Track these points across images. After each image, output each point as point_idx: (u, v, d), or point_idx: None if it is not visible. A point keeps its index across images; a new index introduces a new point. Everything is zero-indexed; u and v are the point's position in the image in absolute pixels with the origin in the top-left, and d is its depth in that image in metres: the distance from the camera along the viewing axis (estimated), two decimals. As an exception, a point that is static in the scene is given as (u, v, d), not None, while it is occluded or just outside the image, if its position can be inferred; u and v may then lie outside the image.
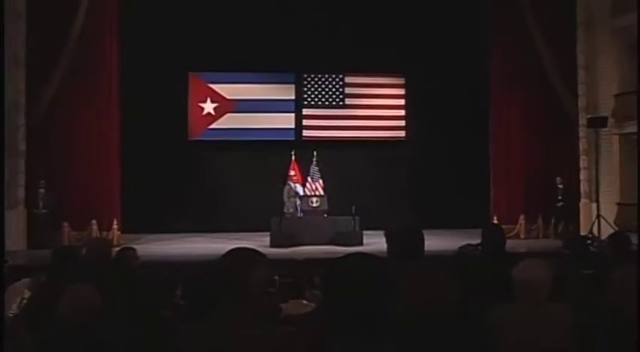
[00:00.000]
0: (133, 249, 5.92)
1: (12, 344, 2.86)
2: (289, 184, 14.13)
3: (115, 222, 13.94)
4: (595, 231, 12.96)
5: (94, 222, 13.69)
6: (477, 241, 4.63)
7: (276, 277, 5.58)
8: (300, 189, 14.45)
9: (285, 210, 13.87)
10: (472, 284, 3.57)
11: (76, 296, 3.14)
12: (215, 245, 12.27)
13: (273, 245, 12.52)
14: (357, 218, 12.86)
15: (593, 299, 3.28)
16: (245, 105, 16.12)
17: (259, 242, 12.04)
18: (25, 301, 4.93)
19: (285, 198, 13.97)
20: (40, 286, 4.84)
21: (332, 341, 1.73)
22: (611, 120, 13.58)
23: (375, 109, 16.60)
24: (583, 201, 14.23)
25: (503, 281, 3.32)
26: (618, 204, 13.65)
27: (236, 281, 2.35)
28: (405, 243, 3.46)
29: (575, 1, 14.16)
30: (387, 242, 3.50)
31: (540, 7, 14.03)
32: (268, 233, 12.97)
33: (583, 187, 14.28)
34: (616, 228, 12.09)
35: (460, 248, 6.48)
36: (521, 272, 3.28)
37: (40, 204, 13.29)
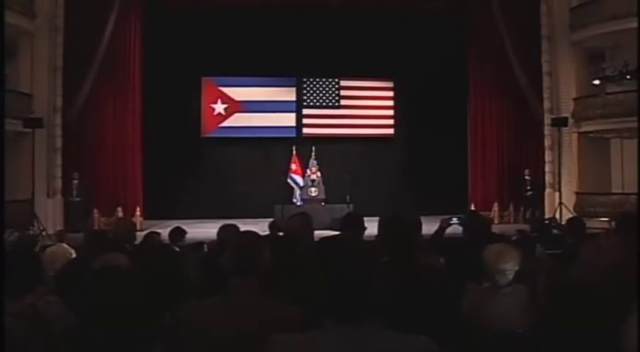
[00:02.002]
0: (158, 233, 6.73)
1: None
2: (307, 176, 14.77)
3: (138, 209, 15.06)
4: (557, 216, 14.05)
5: (119, 209, 14.86)
6: (458, 216, 4.50)
7: None
8: (300, 181, 15.25)
9: (295, 199, 14.64)
10: (454, 265, 3.64)
11: (108, 259, 3.24)
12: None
13: (277, 230, 13.42)
14: (351, 205, 13.41)
15: (557, 275, 3.14)
16: (251, 106, 16.97)
17: (264, 227, 12.14)
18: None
19: (298, 188, 14.72)
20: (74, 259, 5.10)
21: (326, 318, 1.67)
22: (570, 121, 14.65)
23: (367, 110, 17.46)
24: (547, 190, 15.24)
25: (480, 263, 3.30)
26: (576, 193, 14.78)
27: (248, 260, 2.40)
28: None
29: (540, 19, 15.24)
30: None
31: (511, 23, 15.18)
32: (272, 219, 12.86)
33: (547, 178, 15.29)
34: (575, 214, 13.20)
35: (442, 221, 7.05)
36: (492, 256, 3.23)
37: (74, 193, 14.37)
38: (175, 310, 2.36)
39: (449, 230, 4.55)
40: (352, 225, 4.16)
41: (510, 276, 3.20)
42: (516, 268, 3.21)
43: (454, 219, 4.54)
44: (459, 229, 4.60)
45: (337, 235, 4.04)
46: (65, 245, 8.45)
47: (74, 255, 7.34)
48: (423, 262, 2.64)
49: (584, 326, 2.38)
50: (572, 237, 5.48)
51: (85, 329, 2.07)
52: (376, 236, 2.78)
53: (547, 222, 13.51)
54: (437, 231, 4.53)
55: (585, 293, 2.55)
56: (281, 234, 5.86)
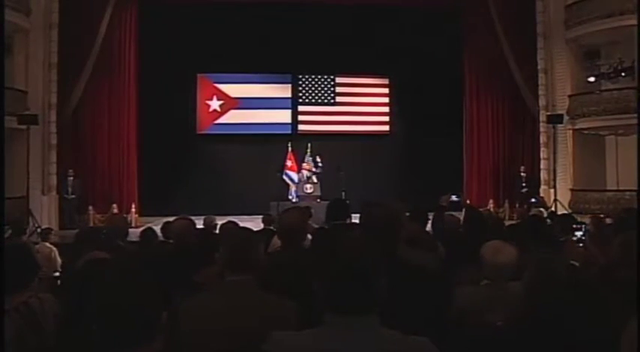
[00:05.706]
0: (154, 230, 6.56)
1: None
2: (302, 173, 14.84)
3: (133, 206, 15.10)
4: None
5: (114, 206, 14.87)
6: (457, 194, 4.64)
7: None
8: (295, 177, 15.24)
9: (291, 195, 14.70)
10: (452, 257, 3.62)
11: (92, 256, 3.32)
12: (220, 227, 13.01)
13: (272, 226, 13.37)
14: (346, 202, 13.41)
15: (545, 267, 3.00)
16: (247, 103, 16.96)
17: (260, 224, 11.96)
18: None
19: (293, 185, 14.82)
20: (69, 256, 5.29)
21: (324, 313, 1.65)
22: (566, 118, 14.69)
23: (363, 106, 17.49)
24: (543, 187, 15.30)
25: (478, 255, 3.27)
26: (571, 189, 14.84)
27: (243, 256, 2.41)
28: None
29: (535, 16, 15.30)
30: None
31: (507, 20, 15.22)
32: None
33: (543, 175, 15.37)
34: (569, 211, 13.43)
35: (441, 198, 7.04)
36: (490, 254, 3.20)
37: (69, 190, 14.36)
38: (173, 306, 2.29)
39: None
40: (337, 212, 4.16)
41: (507, 273, 3.15)
42: (513, 265, 3.15)
43: (453, 196, 4.40)
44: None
45: (330, 227, 4.11)
46: (48, 244, 8.52)
47: (57, 254, 7.58)
48: (403, 256, 2.47)
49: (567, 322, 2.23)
50: (560, 230, 5.60)
51: (81, 326, 2.01)
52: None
53: (534, 200, 13.63)
54: (437, 209, 4.50)
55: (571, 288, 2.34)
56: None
